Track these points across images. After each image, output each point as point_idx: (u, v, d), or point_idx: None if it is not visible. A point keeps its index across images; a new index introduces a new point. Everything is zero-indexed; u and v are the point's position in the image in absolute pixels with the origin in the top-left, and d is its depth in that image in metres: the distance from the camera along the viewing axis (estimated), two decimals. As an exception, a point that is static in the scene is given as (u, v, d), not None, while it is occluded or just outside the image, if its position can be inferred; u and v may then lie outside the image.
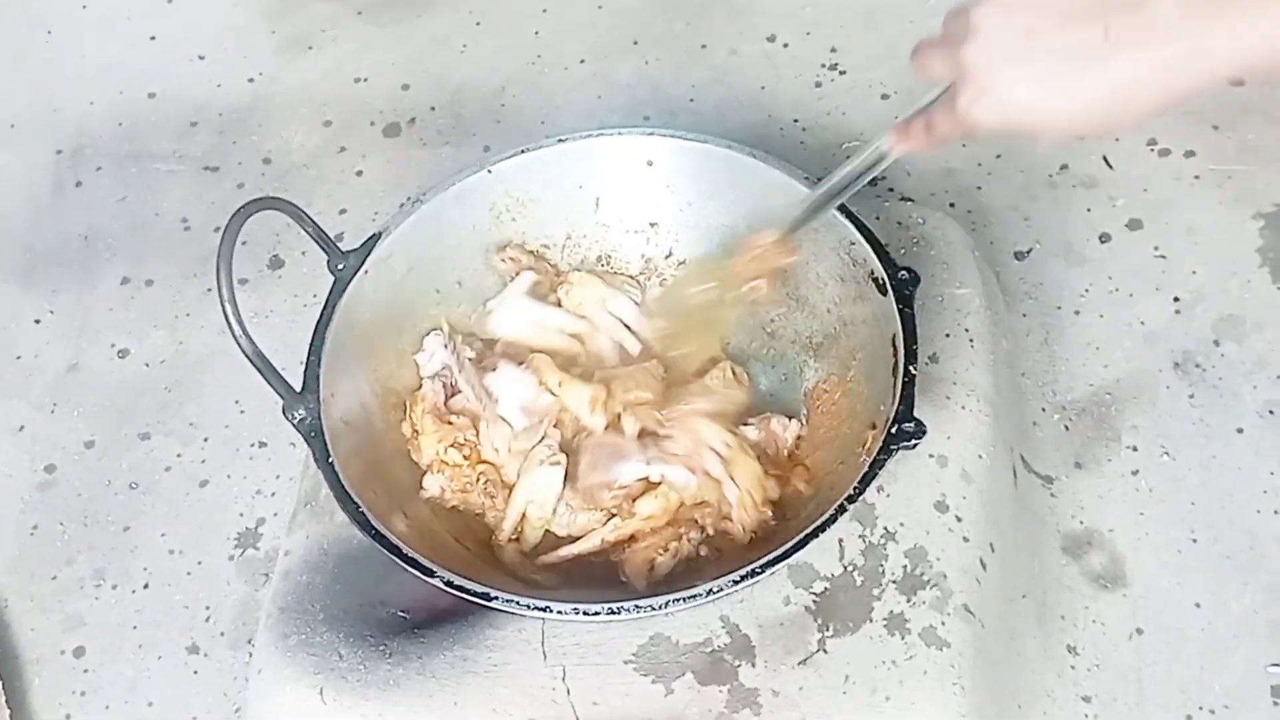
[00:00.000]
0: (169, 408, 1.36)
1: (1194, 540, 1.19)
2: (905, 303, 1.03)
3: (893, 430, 0.95)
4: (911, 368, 0.99)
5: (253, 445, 1.32)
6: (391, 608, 1.03)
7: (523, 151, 1.16)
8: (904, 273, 1.05)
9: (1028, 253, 1.40)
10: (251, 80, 1.66)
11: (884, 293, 1.05)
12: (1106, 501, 1.23)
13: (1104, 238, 1.40)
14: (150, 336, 1.41)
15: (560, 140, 1.16)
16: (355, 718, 0.98)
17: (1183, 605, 1.16)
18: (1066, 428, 1.28)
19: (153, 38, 1.72)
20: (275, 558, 1.22)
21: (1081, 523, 1.22)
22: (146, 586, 1.24)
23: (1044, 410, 1.29)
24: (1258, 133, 1.47)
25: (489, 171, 1.15)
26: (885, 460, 0.95)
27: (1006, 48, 0.75)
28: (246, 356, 0.94)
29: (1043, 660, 1.14)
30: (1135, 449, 1.25)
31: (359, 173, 1.54)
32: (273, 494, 1.28)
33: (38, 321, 1.44)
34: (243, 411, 1.34)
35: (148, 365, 1.39)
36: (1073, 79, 0.73)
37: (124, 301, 1.45)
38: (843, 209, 1.09)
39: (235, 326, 0.93)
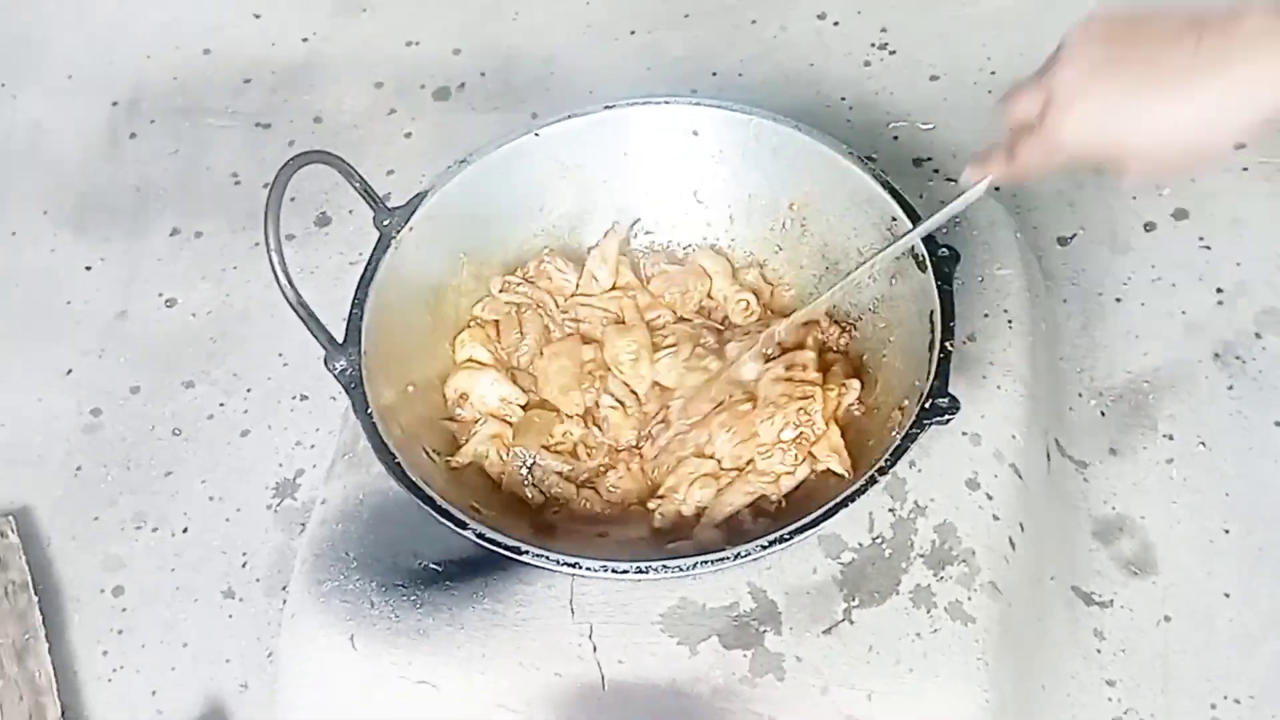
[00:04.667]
0: (214, 358, 1.38)
1: (1226, 531, 1.19)
2: (944, 280, 1.03)
3: (926, 405, 0.95)
4: (948, 344, 0.99)
5: (294, 398, 1.34)
6: (423, 559, 1.04)
7: (570, 117, 1.16)
8: (944, 250, 1.05)
9: (1071, 238, 1.40)
10: (305, 40, 1.67)
11: (923, 269, 1.05)
12: (1140, 489, 1.23)
13: (1149, 226, 1.40)
14: (198, 287, 1.44)
15: (607, 107, 1.16)
16: (385, 665, 0.99)
17: (1212, 595, 1.16)
18: (1103, 414, 1.27)
19: (209, -6, 1.74)
20: (313, 508, 1.24)
21: (1114, 508, 1.22)
22: (186, 531, 1.26)
23: (1080, 395, 1.29)
24: (1309, 127, 1.45)
25: (536, 135, 1.15)
26: (918, 434, 0.95)
27: (1094, 66, 0.75)
28: (291, 305, 0.95)
29: (1069, 643, 1.14)
30: (1171, 438, 1.25)
31: (408, 135, 1.56)
32: (312, 446, 1.30)
33: (89, 268, 1.47)
34: (286, 364, 1.36)
35: (194, 315, 1.41)
36: (1160, 97, 0.73)
37: (173, 252, 1.47)
38: (884, 184, 1.09)
39: (281, 276, 0.94)
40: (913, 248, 1.06)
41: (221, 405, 1.34)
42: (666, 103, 1.17)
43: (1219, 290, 1.34)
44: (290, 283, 0.95)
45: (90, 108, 1.62)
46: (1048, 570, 1.14)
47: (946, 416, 0.95)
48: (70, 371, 1.38)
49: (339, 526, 1.07)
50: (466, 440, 1.09)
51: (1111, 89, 0.74)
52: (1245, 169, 1.43)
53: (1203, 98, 0.71)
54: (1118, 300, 1.35)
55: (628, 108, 1.17)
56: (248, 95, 1.62)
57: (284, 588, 1.21)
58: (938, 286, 1.03)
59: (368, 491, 1.08)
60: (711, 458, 1.06)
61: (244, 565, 1.24)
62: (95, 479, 1.30)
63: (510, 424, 1.10)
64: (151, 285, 1.44)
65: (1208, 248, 1.37)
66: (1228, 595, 1.16)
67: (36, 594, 1.18)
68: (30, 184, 1.54)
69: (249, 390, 1.35)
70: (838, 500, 0.93)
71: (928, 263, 1.04)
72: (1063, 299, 1.35)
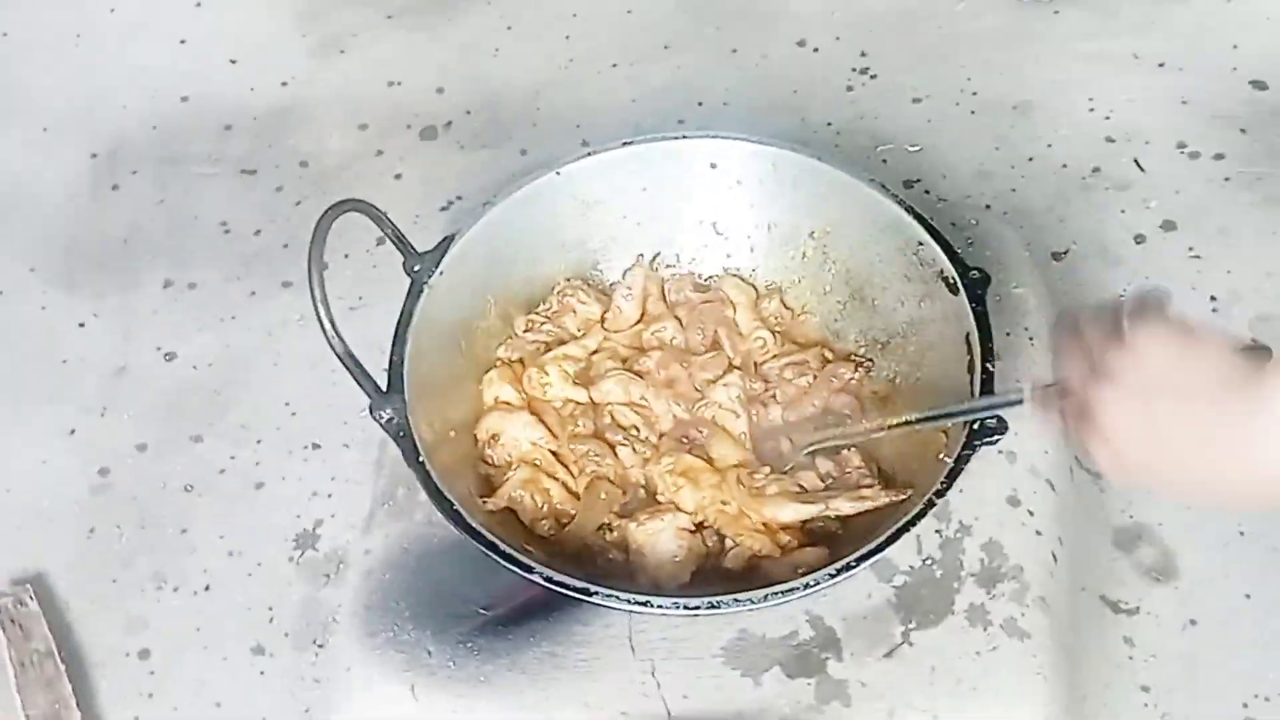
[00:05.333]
0: (219, 410, 1.35)
1: (1241, 534, 1.21)
2: (978, 301, 1.05)
3: (974, 427, 0.96)
4: (989, 365, 1.01)
5: (305, 447, 1.32)
6: (473, 603, 1.04)
7: (590, 154, 1.16)
8: (975, 272, 1.06)
9: (1065, 253, 1.42)
10: (285, 84, 1.65)
11: (955, 292, 1.06)
12: (1154, 497, 1.24)
13: (1139, 239, 1.43)
14: (196, 339, 1.41)
15: (626, 143, 1.17)
16: (448, 713, 0.98)
17: (1233, 597, 1.19)
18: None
19: (183, 41, 1.71)
20: (337, 558, 1.23)
21: (1131, 517, 1.24)
22: (207, 588, 1.24)
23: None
24: (1284, 136, 1.50)
25: (557, 174, 1.15)
26: (970, 456, 0.96)
27: (1142, 419, 0.74)
28: (339, 358, 0.94)
29: (1100, 651, 1.16)
30: (1180, 445, 1.27)
31: (397, 175, 1.54)
32: (329, 495, 1.28)
33: (82, 325, 1.43)
34: (294, 413, 1.34)
35: (195, 368, 1.39)
36: (1186, 461, 0.73)
37: (168, 304, 1.44)
38: (909, 210, 1.11)
39: (329, 329, 0.93)
40: (941, 270, 1.08)
41: (232, 458, 1.32)
42: (685, 137, 1.18)
43: (1213, 299, 1.37)
44: (338, 335, 0.94)
45: (70, 159, 1.58)
46: (1080, 581, 1.16)
47: (995, 437, 0.96)
48: (73, 431, 1.35)
49: (386, 576, 1.06)
50: (501, 483, 1.09)
51: (1157, 453, 0.75)
52: (1227, 179, 1.47)
53: (1226, 467, 0.72)
54: (1115, 313, 1.37)
55: (647, 144, 1.17)
56: (230, 142, 1.60)
57: (315, 641, 1.19)
58: (973, 309, 1.04)
59: (412, 539, 1.08)
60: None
61: (271, 620, 1.21)
62: (109, 540, 1.27)
63: (536, 466, 1.09)
64: (149, 339, 1.41)
65: (1198, 257, 1.41)
66: (1248, 596, 1.19)
67: (62, 661, 1.15)
68: (14, 240, 1.50)
69: (259, 441, 1.33)
70: (898, 526, 0.94)
71: (959, 285, 1.06)
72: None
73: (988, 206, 1.46)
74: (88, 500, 1.30)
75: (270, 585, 1.24)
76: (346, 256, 1.45)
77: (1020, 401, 0.91)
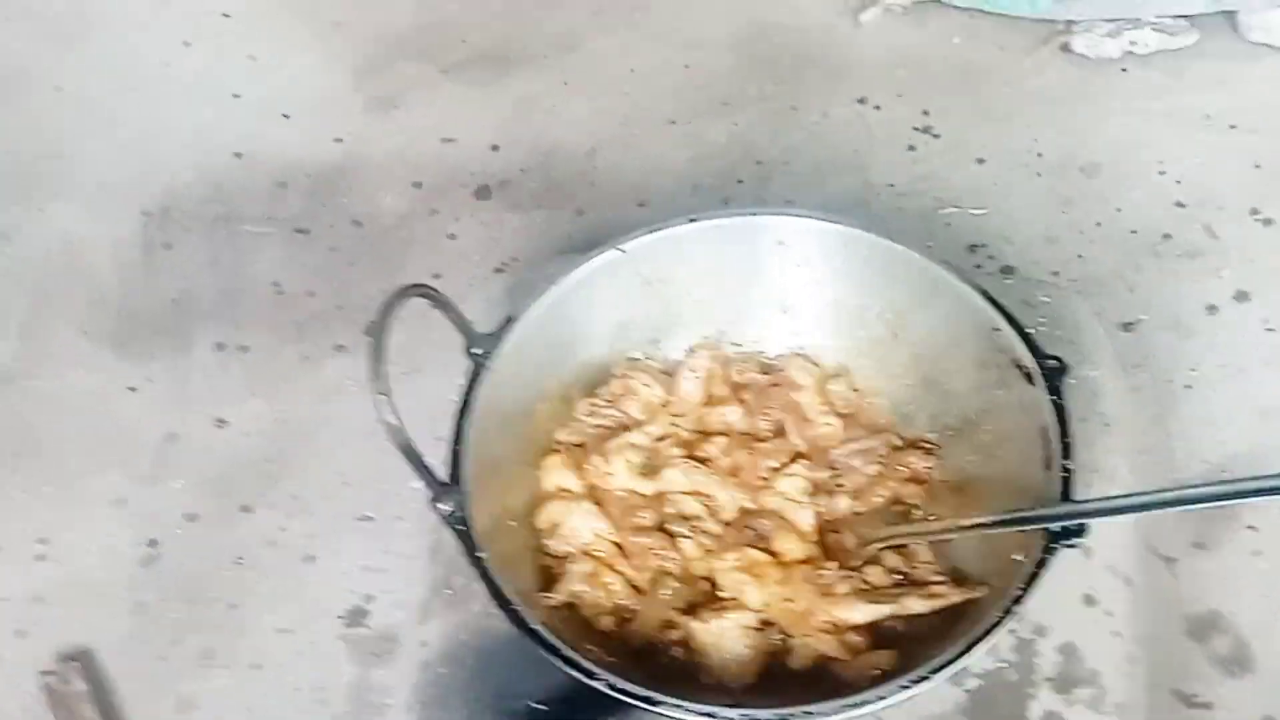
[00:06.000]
0: (270, 479, 1.33)
1: (1317, 622, 1.18)
2: (1055, 393, 1.01)
3: (1054, 530, 0.93)
4: (1068, 462, 0.97)
5: (358, 519, 1.29)
6: (533, 699, 1.01)
7: (652, 230, 1.14)
8: (1053, 361, 1.03)
9: (1135, 324, 1.39)
10: (339, 140, 1.64)
11: (1031, 382, 1.03)
12: (1229, 583, 1.21)
13: (1211, 309, 1.39)
14: (248, 405, 1.39)
15: (692, 219, 1.14)
16: (506, 819, 0.96)
17: (1311, 689, 1.15)
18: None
19: (237, 96, 1.69)
20: (388, 637, 1.20)
21: (1205, 605, 1.20)
22: (258, 667, 1.21)
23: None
24: (1360, 202, 1.46)
25: (620, 250, 1.13)
26: (1049, 560, 0.93)
27: None
28: (400, 450, 0.92)
29: (1177, 750, 1.13)
30: (1255, 529, 1.24)
31: (451, 235, 1.52)
32: (381, 570, 1.26)
33: (133, 389, 1.41)
34: (346, 484, 1.32)
35: (247, 435, 1.37)
36: None
37: (220, 368, 1.42)
38: (983, 293, 1.08)
39: (391, 419, 0.91)
40: (1017, 358, 1.04)
41: (283, 530, 1.29)
42: (753, 214, 1.16)
43: (1290, 376, 1.33)
44: (400, 424, 0.91)
45: (121, 219, 1.57)
46: (1155, 678, 1.12)
47: (1075, 541, 0.93)
48: (124, 501, 1.33)
49: (443, 671, 1.04)
50: (561, 575, 1.06)
51: None
52: (1301, 247, 1.43)
53: None
54: (1188, 387, 1.34)
55: (711, 219, 1.15)
56: (284, 200, 1.58)
57: (367, 723, 1.17)
58: (1051, 401, 1.01)
59: (470, 631, 1.05)
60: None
61: (322, 701, 1.19)
62: (158, 615, 1.25)
63: (597, 559, 1.06)
64: (200, 405, 1.39)
65: (1272, 330, 1.37)
66: (1327, 689, 1.15)
67: (110, 744, 1.13)
68: (65, 302, 1.49)
69: (310, 513, 1.31)
70: (979, 633, 0.91)
71: (1036, 375, 1.03)
72: (1134, 388, 1.33)
73: (1055, 273, 1.43)
74: (137, 573, 1.28)
75: (321, 664, 1.21)
76: (400, 320, 1.42)
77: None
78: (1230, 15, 1.63)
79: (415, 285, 0.98)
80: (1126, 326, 1.38)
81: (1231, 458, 1.28)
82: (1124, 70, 1.64)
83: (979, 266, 1.43)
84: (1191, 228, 1.47)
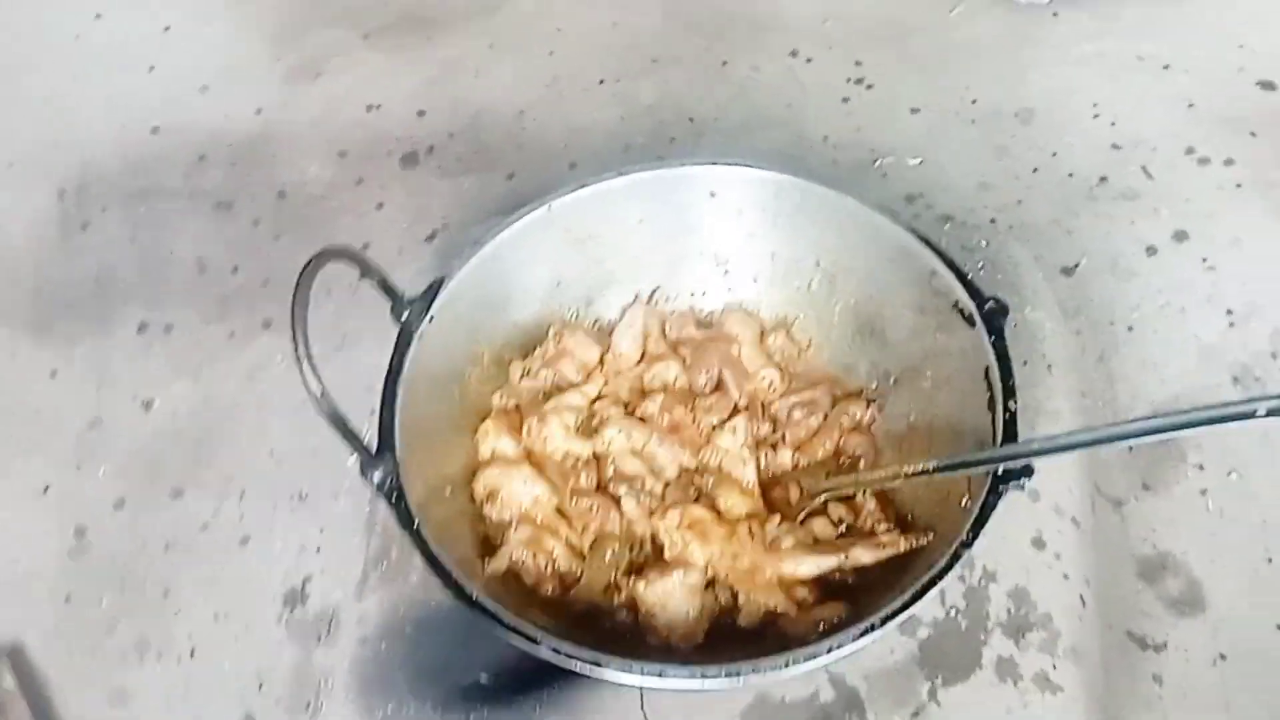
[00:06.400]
0: (200, 461, 1.29)
1: (1269, 561, 1.17)
2: (996, 334, 0.99)
3: (998, 472, 0.91)
4: (1011, 403, 0.96)
5: (292, 498, 1.25)
6: (477, 671, 0.98)
7: (581, 186, 1.11)
8: (992, 302, 1.01)
9: (1075, 268, 1.37)
10: (260, 111, 1.59)
11: (971, 324, 1.01)
12: (1177, 524, 1.20)
13: (1150, 250, 1.38)
14: (174, 386, 1.34)
15: (620, 173, 1.11)
16: (454, 792, 0.93)
17: (1264, 628, 1.14)
18: (1131, 449, 1.25)
19: (152, 68, 1.64)
20: (327, 617, 1.17)
21: (1154, 546, 1.19)
22: (193, 655, 1.17)
23: (1106, 429, 1.26)
24: (1295, 139, 1.45)
25: (548, 209, 1.09)
26: (995, 502, 0.91)
27: None
28: (326, 419, 0.89)
29: (1131, 691, 1.11)
30: (1202, 468, 1.23)
31: (379, 205, 1.48)
32: (318, 549, 1.22)
33: (54, 373, 1.37)
34: (278, 462, 1.28)
35: (174, 417, 1.32)
36: None
37: (143, 349, 1.38)
38: (920, 237, 1.06)
39: (314, 387, 0.87)
40: (956, 301, 1.02)
41: (215, 513, 1.25)
42: (682, 165, 1.12)
43: (1229, 312, 1.32)
44: (325, 394, 0.88)
45: (36, 197, 1.52)
46: (1107, 620, 1.11)
47: (1022, 480, 0.91)
48: (47, 489, 1.28)
49: (382, 645, 1.01)
50: (501, 542, 1.03)
51: None
52: (1239, 185, 1.42)
53: None
54: (1130, 329, 1.33)
55: (640, 173, 1.12)
56: (204, 173, 1.53)
57: (308, 706, 1.13)
58: (992, 343, 0.99)
59: (407, 605, 1.02)
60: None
61: (261, 687, 1.15)
62: (88, 605, 1.21)
63: (538, 524, 1.03)
64: (124, 387, 1.35)
65: (1212, 269, 1.36)
66: (1279, 627, 1.14)
67: (42, 739, 1.09)
68: (-21, 285, 1.44)
69: (242, 493, 1.27)
70: (925, 580, 0.89)
71: (976, 317, 1.01)
72: (1076, 331, 1.32)
73: (993, 221, 1.41)
74: (65, 563, 1.23)
75: (259, 648, 1.17)
76: (329, 293, 1.39)
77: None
78: (1159, -45, 1.62)
79: (333, 248, 0.94)
80: (1066, 270, 1.37)
81: (1174, 397, 1.27)
82: (1055, 15, 1.63)
83: (917, 216, 1.41)
84: (1128, 170, 1.45)
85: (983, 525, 0.90)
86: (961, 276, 1.03)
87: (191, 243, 1.47)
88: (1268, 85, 1.51)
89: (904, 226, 1.06)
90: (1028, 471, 0.91)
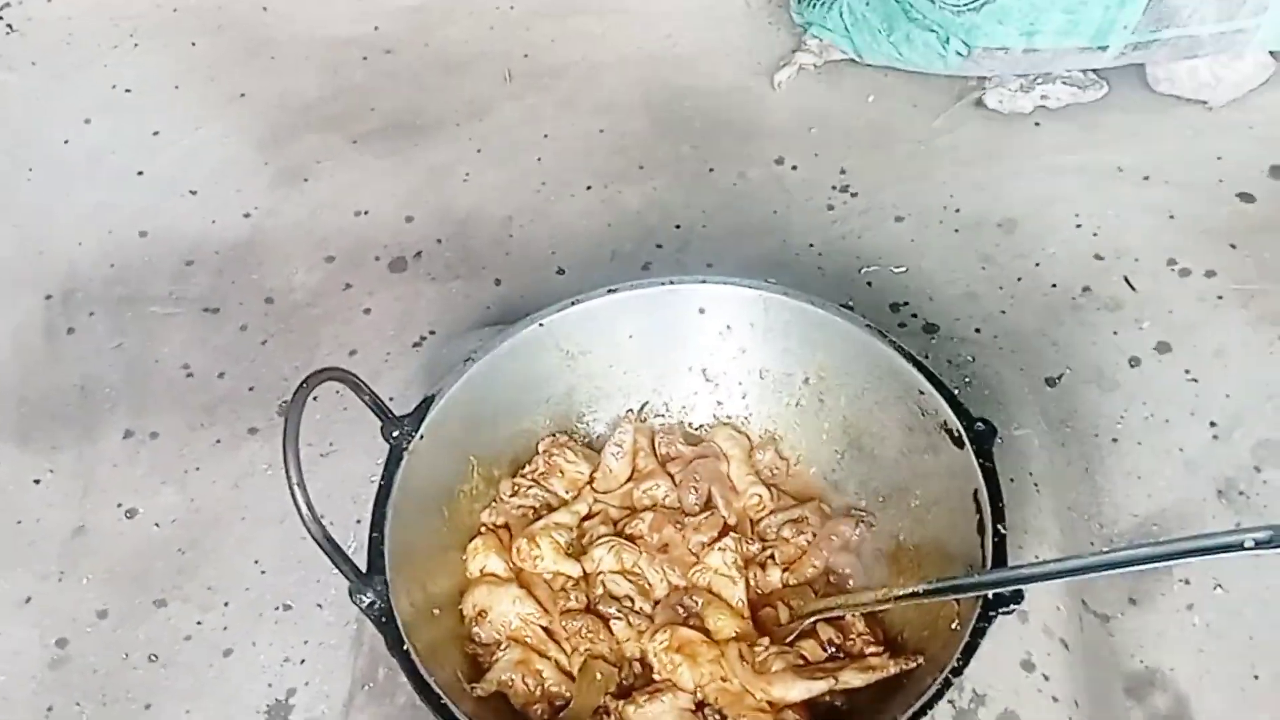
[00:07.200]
0: (184, 571, 1.28)
1: (1256, 677, 1.17)
2: (985, 456, 1.00)
3: (989, 596, 0.91)
4: (1000, 526, 0.96)
5: (276, 609, 1.25)
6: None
7: (572, 304, 1.11)
8: (980, 424, 1.02)
9: (1059, 379, 1.38)
10: (248, 215, 1.60)
11: (960, 445, 1.02)
12: (1164, 639, 1.20)
13: (1134, 361, 1.39)
14: (159, 494, 1.34)
15: (611, 291, 1.12)
16: None
17: (1252, 745, 1.14)
18: (1119, 568, 1.25)
19: (140, 173, 1.65)
20: (312, 733, 1.16)
21: (1142, 662, 1.19)
22: (174, 771, 1.16)
23: (1092, 544, 1.26)
24: (1274, 251, 1.47)
25: (540, 325, 1.10)
26: (985, 629, 0.91)
27: None
28: (316, 541, 0.89)
29: (1121, 812, 1.11)
30: (1188, 582, 1.23)
31: (366, 310, 1.49)
32: (302, 661, 1.21)
33: (38, 482, 1.36)
34: (263, 572, 1.27)
35: (158, 525, 1.32)
36: None
37: (129, 457, 1.37)
38: (908, 356, 1.06)
39: (305, 511, 0.87)
40: (944, 421, 1.03)
41: (199, 624, 1.24)
42: (671, 283, 1.13)
43: (1212, 424, 1.33)
44: (315, 518, 0.88)
45: (22, 302, 1.51)
46: (1096, 740, 1.10)
47: (1011, 607, 0.91)
48: (29, 599, 1.27)
49: (369, 770, 0.99)
50: (489, 665, 1.02)
51: None
52: (1220, 297, 1.43)
53: None
54: (1114, 441, 1.33)
55: (631, 290, 1.13)
56: (192, 278, 1.53)
57: (290, 826, 1.12)
58: (980, 465, 0.99)
59: (395, 727, 1.01)
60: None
61: (243, 804, 1.14)
62: (69, 718, 1.19)
63: (527, 645, 1.03)
64: (109, 495, 1.34)
65: (1195, 380, 1.37)
66: (1267, 743, 1.14)
67: None
68: (-38, 393, 1.43)
69: (226, 604, 1.26)
70: (914, 710, 0.89)
71: (965, 439, 1.01)
72: (1061, 443, 1.32)
73: (978, 330, 1.42)
74: (45, 675, 1.22)
75: (242, 764, 1.16)
76: (316, 398, 1.39)
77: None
78: (1139, 68, 1.65)
79: (327, 369, 0.94)
80: (1051, 381, 1.38)
81: (1159, 511, 1.28)
82: (1037, 124, 1.65)
83: (902, 325, 1.42)
84: (1110, 280, 1.47)
85: (973, 652, 0.90)
86: (949, 396, 1.04)
87: (177, 349, 1.47)
88: (1247, 197, 1.53)
89: (891, 344, 1.07)
90: (1017, 597, 0.91)
